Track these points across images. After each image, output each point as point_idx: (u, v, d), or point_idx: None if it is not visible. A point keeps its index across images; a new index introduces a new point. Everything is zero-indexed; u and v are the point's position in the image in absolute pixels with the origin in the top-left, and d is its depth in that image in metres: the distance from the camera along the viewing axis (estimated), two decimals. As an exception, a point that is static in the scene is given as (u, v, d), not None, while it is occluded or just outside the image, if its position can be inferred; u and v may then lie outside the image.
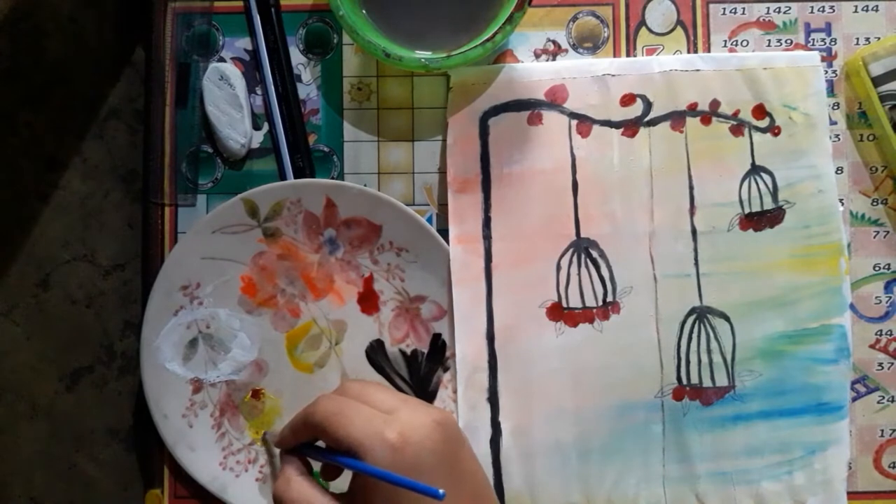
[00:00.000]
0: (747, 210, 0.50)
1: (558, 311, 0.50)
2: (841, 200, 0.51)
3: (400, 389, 0.51)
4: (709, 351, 0.50)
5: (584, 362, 0.49)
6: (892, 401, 0.51)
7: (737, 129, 0.50)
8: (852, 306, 0.50)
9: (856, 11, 0.51)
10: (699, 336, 0.50)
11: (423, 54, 0.47)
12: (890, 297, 0.51)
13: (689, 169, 0.50)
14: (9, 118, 0.53)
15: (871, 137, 0.51)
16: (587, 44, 0.52)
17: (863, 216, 0.51)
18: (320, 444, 0.45)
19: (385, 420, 0.41)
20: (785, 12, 0.51)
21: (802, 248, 0.50)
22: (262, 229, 0.51)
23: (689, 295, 0.50)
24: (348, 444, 0.41)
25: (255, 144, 0.52)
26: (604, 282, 0.50)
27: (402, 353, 0.51)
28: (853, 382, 0.50)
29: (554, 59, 0.51)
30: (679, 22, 0.51)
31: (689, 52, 0.51)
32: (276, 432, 0.47)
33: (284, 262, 0.51)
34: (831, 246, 0.50)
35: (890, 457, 0.50)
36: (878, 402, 0.50)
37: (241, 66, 0.52)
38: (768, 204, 0.50)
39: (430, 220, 0.51)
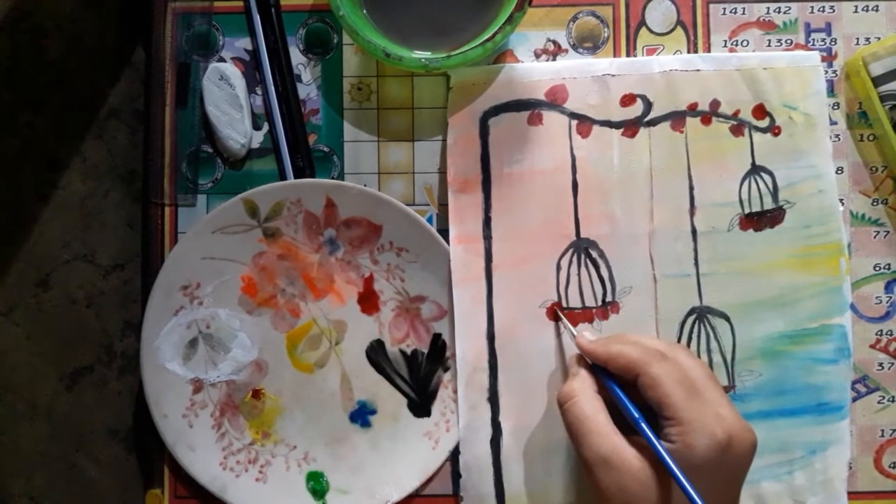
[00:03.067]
0: (747, 210, 0.50)
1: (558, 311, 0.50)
2: (841, 200, 0.51)
3: (400, 389, 0.51)
4: (709, 351, 0.50)
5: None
6: (893, 401, 0.50)
7: (737, 129, 0.50)
8: (853, 306, 0.50)
9: (856, 11, 0.51)
10: (699, 336, 0.50)
11: (423, 54, 0.47)
12: (890, 297, 0.51)
13: (689, 169, 0.50)
14: (9, 118, 0.53)
15: (871, 137, 0.51)
16: (587, 44, 0.52)
17: (863, 216, 0.51)
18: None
19: (717, 416, 0.41)
20: (785, 12, 0.51)
21: (802, 248, 0.50)
22: (262, 229, 0.51)
23: (688, 295, 0.50)
24: (672, 417, 0.41)
25: (255, 144, 0.52)
26: (603, 282, 0.50)
27: (403, 353, 0.51)
28: (853, 382, 0.50)
29: (554, 59, 0.51)
30: (679, 22, 0.51)
31: (689, 52, 0.51)
32: (586, 336, 0.46)
33: (284, 262, 0.51)
34: (831, 246, 0.50)
35: (890, 457, 0.50)
36: (879, 402, 0.50)
37: (241, 66, 0.52)
38: (768, 204, 0.50)
39: (430, 220, 0.51)
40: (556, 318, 0.50)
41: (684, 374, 0.42)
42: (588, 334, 0.46)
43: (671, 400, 0.41)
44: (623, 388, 0.44)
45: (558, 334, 0.50)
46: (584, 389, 0.44)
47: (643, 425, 0.41)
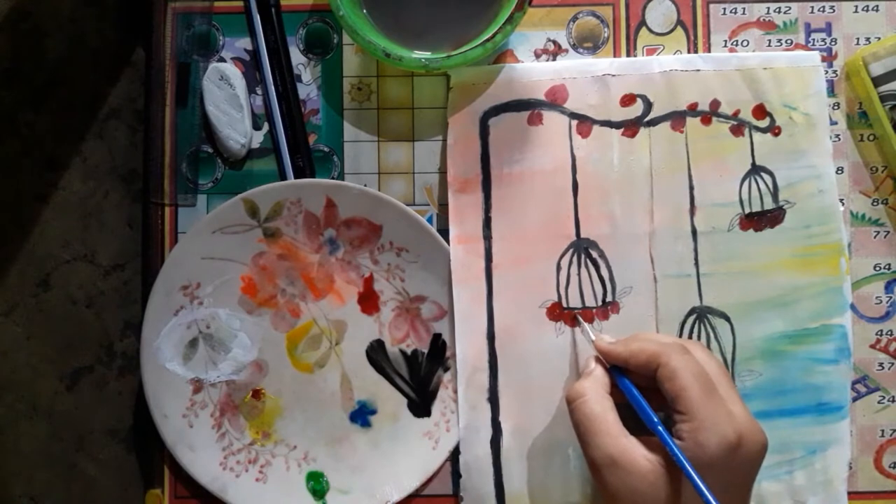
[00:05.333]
0: (747, 210, 0.50)
1: (558, 311, 0.50)
2: (841, 200, 0.51)
3: (400, 390, 0.51)
4: (709, 351, 0.50)
5: (584, 362, 0.49)
6: (893, 401, 0.50)
7: (737, 129, 0.50)
8: (853, 306, 0.50)
9: (856, 11, 0.51)
10: (699, 336, 0.50)
11: (423, 54, 0.47)
12: (890, 297, 0.51)
13: (689, 169, 0.50)
14: (9, 118, 0.53)
15: (871, 137, 0.51)
16: (587, 44, 0.52)
17: (863, 216, 0.51)
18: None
19: (729, 415, 0.41)
20: (785, 12, 0.51)
21: (803, 248, 0.50)
22: (262, 229, 0.51)
23: (689, 295, 0.50)
24: (685, 412, 0.41)
25: (255, 144, 0.52)
26: (603, 282, 0.50)
27: (403, 353, 0.51)
28: (854, 382, 0.50)
29: (554, 59, 0.51)
30: (679, 22, 0.51)
31: (689, 52, 0.51)
32: (602, 337, 0.47)
33: (284, 262, 0.51)
34: (832, 246, 0.50)
35: (890, 457, 0.50)
36: (879, 402, 0.50)
37: (241, 66, 0.52)
38: (768, 204, 0.50)
39: (430, 220, 0.51)
40: (576, 324, 0.50)
41: (701, 369, 0.42)
42: (607, 336, 0.47)
43: (687, 393, 0.41)
44: (640, 391, 0.44)
45: (558, 335, 0.50)
46: (594, 388, 0.44)
47: (660, 428, 0.42)
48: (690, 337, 0.50)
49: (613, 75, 0.50)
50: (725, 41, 0.51)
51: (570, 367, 0.50)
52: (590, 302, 0.50)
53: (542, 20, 0.51)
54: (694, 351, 0.44)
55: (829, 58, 0.51)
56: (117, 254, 0.53)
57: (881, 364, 0.50)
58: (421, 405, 0.51)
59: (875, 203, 0.51)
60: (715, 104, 0.50)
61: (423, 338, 0.51)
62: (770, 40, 0.51)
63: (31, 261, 0.53)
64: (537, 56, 0.52)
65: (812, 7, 0.51)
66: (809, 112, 0.50)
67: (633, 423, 0.43)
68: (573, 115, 0.50)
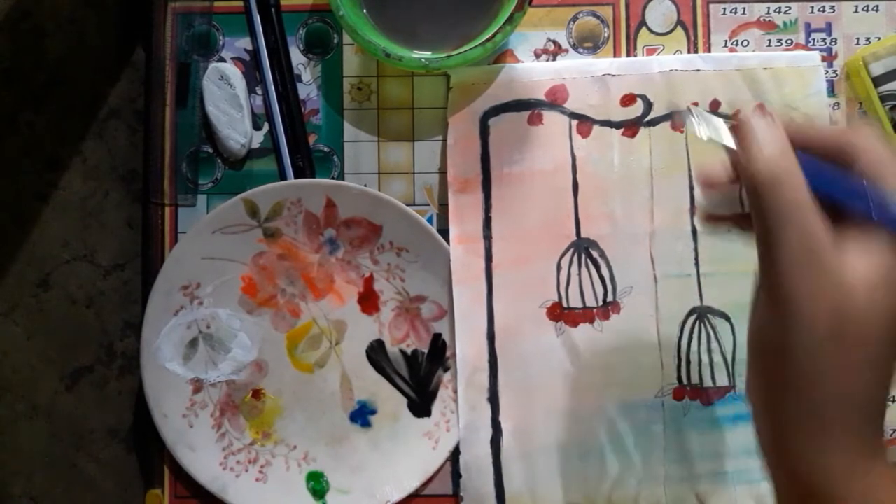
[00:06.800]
0: (748, 209, 0.50)
1: (558, 311, 0.50)
2: (841, 200, 0.50)
3: (400, 390, 0.51)
4: (709, 351, 0.50)
5: (584, 362, 0.49)
6: (893, 401, 0.50)
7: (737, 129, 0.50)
8: (853, 306, 0.50)
9: (856, 11, 0.51)
10: (699, 336, 0.50)
11: (423, 54, 0.47)
12: (890, 297, 0.51)
13: (689, 169, 0.50)
14: (9, 118, 0.53)
15: (871, 137, 0.51)
16: (587, 44, 0.52)
17: (863, 216, 0.51)
18: None
19: None
20: (785, 12, 0.51)
21: (803, 248, 0.50)
22: (262, 229, 0.51)
23: (689, 295, 0.50)
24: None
25: (255, 144, 0.52)
26: (604, 282, 0.50)
27: (403, 353, 0.51)
28: (853, 382, 0.50)
29: (554, 59, 0.51)
30: (679, 22, 0.51)
31: (689, 52, 0.51)
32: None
33: (284, 262, 0.51)
34: (832, 246, 0.50)
35: (891, 456, 0.50)
36: (879, 403, 0.50)
37: (241, 66, 0.52)
38: (769, 204, 0.50)
39: (430, 220, 0.51)
40: (687, 114, 0.39)
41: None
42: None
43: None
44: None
45: (558, 334, 0.50)
46: (795, 171, 0.32)
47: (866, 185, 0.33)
48: (691, 336, 0.50)
49: (613, 75, 0.50)
50: (725, 41, 0.51)
51: (570, 367, 0.50)
52: (590, 302, 0.50)
53: (542, 20, 0.51)
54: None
55: (829, 58, 0.51)
56: (117, 254, 0.53)
57: (881, 364, 0.50)
58: (421, 405, 0.51)
59: (875, 203, 0.51)
60: (715, 104, 0.50)
61: (423, 338, 0.51)
62: (770, 40, 0.51)
63: (31, 261, 0.53)
64: (537, 56, 0.52)
65: (812, 7, 0.51)
66: (810, 112, 0.50)
67: None
68: (573, 115, 0.50)
